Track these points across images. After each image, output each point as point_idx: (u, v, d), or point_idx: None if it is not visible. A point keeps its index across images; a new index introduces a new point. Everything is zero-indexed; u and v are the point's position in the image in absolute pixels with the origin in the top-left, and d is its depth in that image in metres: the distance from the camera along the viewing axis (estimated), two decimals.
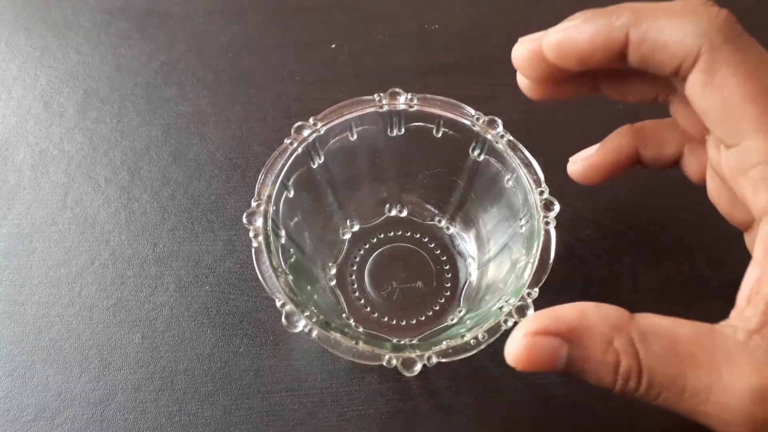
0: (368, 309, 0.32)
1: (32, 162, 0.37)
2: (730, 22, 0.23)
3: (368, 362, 0.24)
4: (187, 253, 0.34)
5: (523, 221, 0.28)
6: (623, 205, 0.35)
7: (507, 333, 0.22)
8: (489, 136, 0.29)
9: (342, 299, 0.32)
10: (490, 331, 0.24)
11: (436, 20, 0.44)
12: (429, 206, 0.34)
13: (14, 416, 0.29)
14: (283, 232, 0.28)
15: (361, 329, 0.30)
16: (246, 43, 0.43)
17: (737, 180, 0.23)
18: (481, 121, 0.29)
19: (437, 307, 0.32)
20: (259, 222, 0.26)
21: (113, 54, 0.42)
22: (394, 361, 0.23)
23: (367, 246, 0.33)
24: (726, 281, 0.32)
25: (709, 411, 0.20)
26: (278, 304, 0.24)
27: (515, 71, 0.28)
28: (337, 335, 0.24)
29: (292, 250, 0.29)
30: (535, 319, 0.21)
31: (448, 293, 0.32)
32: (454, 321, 0.30)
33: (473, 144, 0.30)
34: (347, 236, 0.34)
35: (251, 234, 0.26)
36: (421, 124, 0.30)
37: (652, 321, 0.21)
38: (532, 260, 0.26)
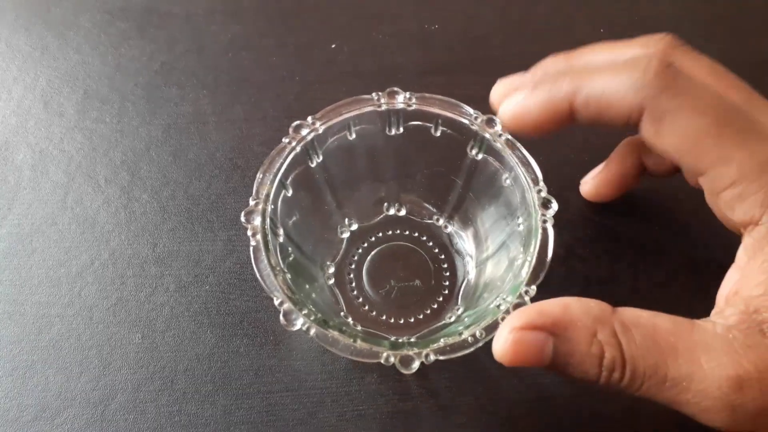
0: (366, 307, 0.32)
1: (32, 162, 0.37)
2: (664, 65, 0.23)
3: (366, 360, 0.24)
4: (187, 253, 0.34)
5: (520, 219, 0.28)
6: (623, 205, 0.35)
7: None
8: (487, 135, 0.29)
9: (340, 298, 0.32)
10: (488, 329, 0.24)
11: (436, 20, 0.44)
12: (427, 205, 0.34)
13: (14, 416, 0.29)
14: (281, 231, 0.28)
15: (359, 327, 0.30)
16: (246, 43, 0.43)
17: (714, 200, 0.25)
18: (479, 119, 0.29)
19: (435, 306, 0.32)
20: (257, 221, 0.26)
21: (113, 54, 0.42)
22: (392, 359, 0.23)
23: (366, 245, 0.33)
24: None
25: (690, 399, 0.20)
26: (276, 302, 0.24)
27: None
28: (335, 333, 0.24)
29: (290, 248, 0.29)
30: (520, 314, 0.22)
31: (446, 291, 0.32)
32: (452, 319, 0.30)
33: (471, 143, 0.30)
34: (345, 235, 0.34)
35: (249, 233, 0.26)
36: (419, 123, 0.30)
37: (633, 314, 0.22)
38: (529, 258, 0.25)
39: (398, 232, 0.34)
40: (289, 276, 0.26)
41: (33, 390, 0.30)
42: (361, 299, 0.32)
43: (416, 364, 0.23)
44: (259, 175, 0.27)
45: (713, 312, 0.23)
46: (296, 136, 0.29)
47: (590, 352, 0.21)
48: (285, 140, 0.29)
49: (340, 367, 0.31)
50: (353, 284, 0.32)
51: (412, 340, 0.30)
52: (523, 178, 0.28)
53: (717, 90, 0.23)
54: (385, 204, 0.34)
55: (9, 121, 0.39)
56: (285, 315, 0.24)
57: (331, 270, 0.33)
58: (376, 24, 0.44)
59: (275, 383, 0.30)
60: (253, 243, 0.26)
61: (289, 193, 0.29)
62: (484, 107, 0.30)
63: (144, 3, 0.44)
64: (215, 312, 0.32)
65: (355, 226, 0.34)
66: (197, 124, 0.39)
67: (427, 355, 0.23)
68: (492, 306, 0.25)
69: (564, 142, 0.37)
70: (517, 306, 0.24)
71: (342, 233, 0.34)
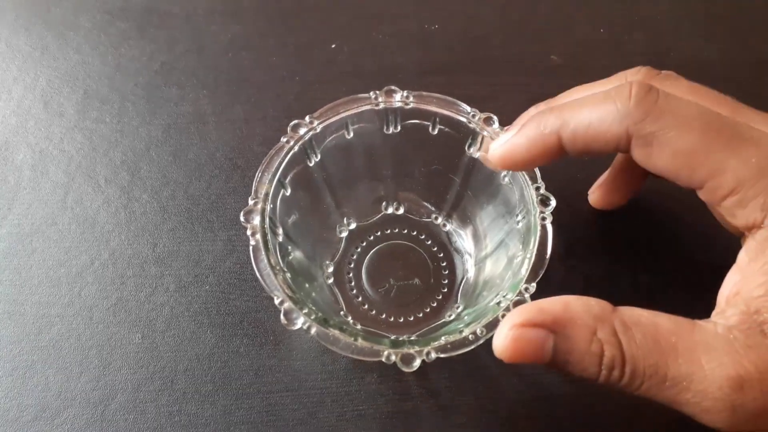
0: (366, 306, 0.32)
1: (32, 162, 0.37)
2: (644, 90, 0.24)
3: (367, 358, 0.24)
4: (187, 253, 0.34)
5: (519, 217, 0.28)
6: (623, 206, 0.35)
7: None
8: (485, 133, 0.29)
9: (340, 297, 0.32)
10: (489, 326, 0.24)
11: (436, 20, 0.44)
12: (426, 203, 0.34)
13: (14, 416, 0.29)
14: (280, 230, 0.28)
15: (359, 326, 0.30)
16: (246, 43, 0.43)
17: (715, 209, 0.25)
18: (477, 117, 0.29)
19: (435, 304, 0.32)
20: (256, 220, 0.26)
21: (113, 54, 0.42)
22: (393, 357, 0.23)
23: (364, 244, 0.33)
24: None
25: (690, 399, 0.20)
26: (276, 301, 0.24)
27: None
28: (336, 332, 0.24)
29: (289, 247, 0.29)
30: (520, 311, 0.22)
31: (446, 290, 0.32)
32: (452, 317, 0.30)
33: (469, 141, 0.30)
34: (344, 234, 0.34)
35: (249, 232, 0.26)
36: (417, 121, 0.30)
37: (634, 313, 0.22)
38: (528, 256, 0.25)
39: (397, 230, 0.34)
40: (288, 275, 0.26)
41: (33, 390, 0.30)
42: (360, 298, 0.32)
43: (417, 362, 0.23)
44: (257, 175, 0.27)
45: (714, 312, 0.23)
46: (294, 135, 0.29)
47: (590, 350, 0.21)
48: (283, 139, 0.29)
49: (340, 367, 0.31)
50: (352, 283, 0.32)
51: (413, 338, 0.30)
52: (521, 176, 0.28)
53: (699, 104, 0.24)
54: (384, 203, 0.34)
55: (9, 121, 0.39)
56: (285, 314, 0.24)
57: (331, 269, 0.33)
58: (376, 24, 0.44)
59: (275, 383, 0.30)
60: (252, 242, 0.26)
61: (288, 192, 0.29)
62: (484, 107, 0.30)
63: (144, 3, 0.44)
64: (215, 312, 0.32)
65: (353, 225, 0.34)
66: (197, 124, 0.39)
67: (428, 353, 0.23)
68: (492, 304, 0.25)
69: None
70: (517, 303, 0.24)
71: (341, 232, 0.34)
